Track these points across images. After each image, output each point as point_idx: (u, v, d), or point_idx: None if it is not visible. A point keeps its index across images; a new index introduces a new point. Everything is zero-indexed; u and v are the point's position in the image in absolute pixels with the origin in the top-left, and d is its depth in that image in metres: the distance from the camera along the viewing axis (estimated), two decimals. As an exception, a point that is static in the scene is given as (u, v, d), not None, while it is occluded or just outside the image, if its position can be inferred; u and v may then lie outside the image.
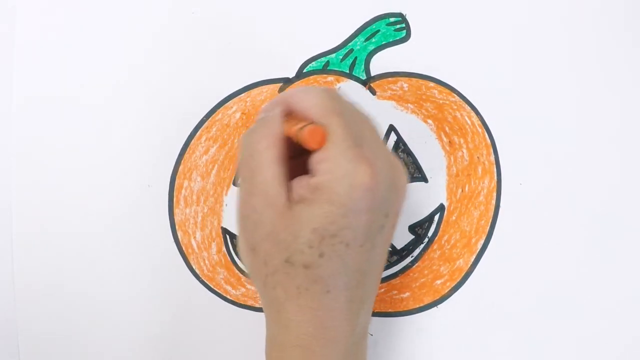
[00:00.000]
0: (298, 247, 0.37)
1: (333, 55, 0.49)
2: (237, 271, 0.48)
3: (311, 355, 0.38)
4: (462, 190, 0.49)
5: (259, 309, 0.48)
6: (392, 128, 0.49)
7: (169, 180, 0.48)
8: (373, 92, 0.49)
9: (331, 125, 0.38)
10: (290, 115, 0.40)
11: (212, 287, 0.48)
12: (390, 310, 0.49)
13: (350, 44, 0.49)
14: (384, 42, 0.49)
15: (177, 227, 0.48)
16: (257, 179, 0.38)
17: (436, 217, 0.49)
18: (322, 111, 0.38)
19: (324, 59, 0.49)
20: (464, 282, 0.49)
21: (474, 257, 0.49)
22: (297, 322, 0.38)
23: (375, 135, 0.40)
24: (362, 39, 0.49)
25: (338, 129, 0.37)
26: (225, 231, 0.48)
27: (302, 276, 0.38)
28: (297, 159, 0.40)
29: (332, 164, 0.37)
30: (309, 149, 0.38)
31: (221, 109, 0.48)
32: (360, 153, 0.37)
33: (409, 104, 0.49)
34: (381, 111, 0.48)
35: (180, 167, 0.48)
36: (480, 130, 0.49)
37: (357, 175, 0.36)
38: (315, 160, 0.38)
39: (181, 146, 0.48)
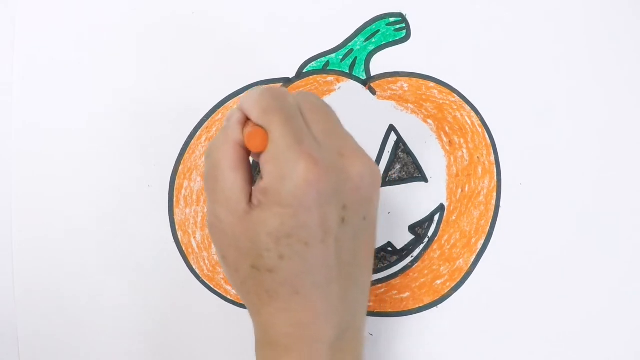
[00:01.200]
0: (258, 252, 0.37)
1: (333, 55, 0.49)
2: (237, 271, 0.48)
3: (292, 354, 0.39)
4: (462, 190, 0.49)
5: (259, 309, 0.48)
6: (392, 128, 0.49)
7: (169, 180, 0.48)
8: (373, 92, 0.49)
9: (270, 125, 0.37)
10: (248, 120, 0.40)
11: (212, 287, 0.48)
12: (390, 310, 0.49)
13: (350, 44, 0.49)
14: (384, 42, 0.49)
15: (177, 227, 0.48)
16: (219, 187, 0.38)
17: (436, 217, 0.49)
18: (259, 111, 0.38)
19: (324, 59, 0.49)
20: (464, 282, 0.49)
21: (474, 257, 0.49)
22: (274, 325, 0.39)
23: (327, 123, 0.39)
24: (362, 39, 0.49)
25: (276, 127, 0.37)
26: (225, 231, 0.48)
27: (269, 280, 0.38)
28: None
29: (273, 165, 0.37)
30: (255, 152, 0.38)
31: (221, 109, 0.48)
32: (301, 149, 0.36)
33: (409, 104, 0.49)
34: (381, 111, 0.49)
35: (180, 167, 0.48)
36: (480, 130, 0.49)
37: (298, 173, 0.36)
38: (261, 163, 0.38)
39: (181, 146, 0.48)
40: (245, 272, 0.38)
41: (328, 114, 0.40)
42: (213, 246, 0.40)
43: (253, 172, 0.40)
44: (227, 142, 0.39)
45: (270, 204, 0.37)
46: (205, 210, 0.40)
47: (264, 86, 0.40)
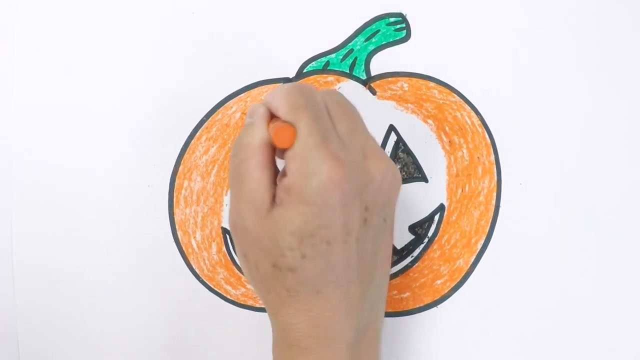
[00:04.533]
0: (280, 251, 0.37)
1: (333, 55, 0.49)
2: (237, 271, 0.48)
3: (310, 355, 0.39)
4: (462, 190, 0.49)
5: (259, 309, 0.48)
6: (392, 128, 0.49)
7: (169, 180, 0.48)
8: (373, 92, 0.49)
9: (297, 122, 0.37)
10: (273, 117, 0.40)
11: (212, 287, 0.48)
12: (390, 310, 0.49)
13: (350, 44, 0.49)
14: (384, 42, 0.49)
15: (177, 227, 0.48)
16: (244, 186, 0.38)
17: (436, 217, 0.49)
18: (288, 108, 0.38)
19: (324, 59, 0.49)
20: (464, 282, 0.49)
21: (474, 257, 0.49)
22: (292, 324, 0.39)
23: (352, 124, 0.39)
24: (362, 39, 0.49)
25: (304, 125, 0.37)
26: (225, 231, 0.48)
27: (290, 279, 0.38)
28: None
29: (298, 163, 0.37)
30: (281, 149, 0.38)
31: (221, 109, 0.48)
32: (327, 148, 0.37)
33: (409, 104, 0.49)
34: (381, 111, 0.48)
35: (180, 167, 0.48)
36: (480, 130, 0.49)
37: (324, 172, 0.36)
38: (286, 160, 0.38)
39: (181, 146, 0.48)
40: (265, 271, 0.38)
41: (353, 113, 0.40)
42: (235, 246, 0.40)
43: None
44: (253, 141, 0.38)
45: (294, 202, 0.37)
46: (228, 208, 0.40)
47: (291, 83, 0.40)
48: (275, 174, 0.39)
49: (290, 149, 0.37)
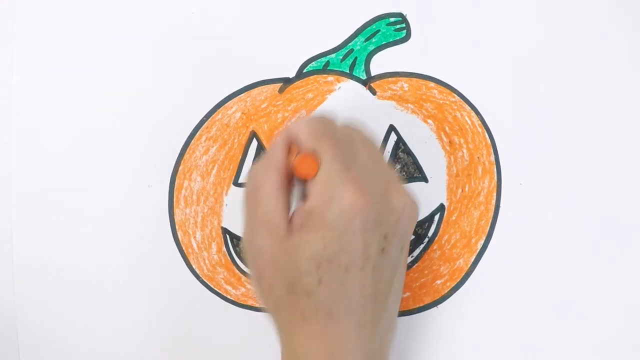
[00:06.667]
0: (297, 275, 0.37)
1: (333, 55, 0.49)
2: (237, 271, 0.48)
3: None
4: (462, 190, 0.49)
5: (259, 309, 0.48)
6: (392, 128, 0.49)
7: (169, 180, 0.48)
8: (373, 92, 0.49)
9: (320, 149, 0.38)
10: (293, 146, 0.40)
11: (212, 287, 0.48)
12: (390, 310, 0.49)
13: (350, 44, 0.49)
14: (384, 42, 0.49)
15: (177, 227, 0.48)
16: (260, 209, 0.39)
17: (436, 217, 0.49)
18: (310, 134, 0.39)
19: (324, 59, 0.49)
20: (464, 282, 0.49)
21: (474, 257, 0.49)
22: (304, 349, 0.38)
23: (373, 155, 0.40)
24: (362, 39, 0.49)
25: (326, 151, 0.38)
26: (225, 231, 0.48)
27: (305, 303, 0.38)
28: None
29: (320, 188, 0.37)
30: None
31: (221, 109, 0.48)
32: (349, 175, 0.37)
33: (409, 104, 0.49)
34: (381, 111, 0.49)
35: (180, 167, 0.48)
36: (480, 130, 0.49)
37: (345, 197, 0.37)
38: (308, 185, 0.38)
39: (181, 146, 0.48)
40: (280, 294, 0.38)
41: (373, 144, 0.41)
42: (249, 266, 0.41)
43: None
44: (270, 166, 0.39)
45: (314, 227, 0.37)
46: (243, 230, 0.40)
47: (316, 114, 0.41)
48: (288, 199, 0.39)
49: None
